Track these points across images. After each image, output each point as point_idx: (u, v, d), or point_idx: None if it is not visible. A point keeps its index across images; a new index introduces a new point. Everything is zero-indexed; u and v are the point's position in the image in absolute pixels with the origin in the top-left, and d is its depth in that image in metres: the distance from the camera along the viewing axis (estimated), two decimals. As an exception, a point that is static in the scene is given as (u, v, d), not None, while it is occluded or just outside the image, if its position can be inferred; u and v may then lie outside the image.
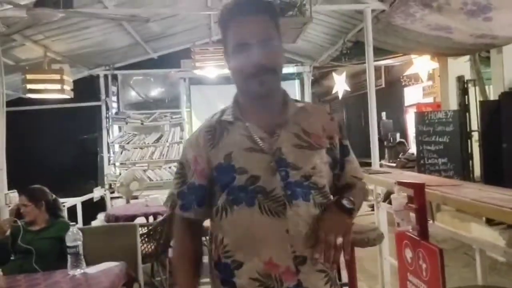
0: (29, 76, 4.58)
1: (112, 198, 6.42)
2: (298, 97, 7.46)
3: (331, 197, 1.24)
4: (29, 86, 4.57)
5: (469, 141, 5.46)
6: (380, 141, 7.76)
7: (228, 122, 1.22)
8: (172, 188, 1.28)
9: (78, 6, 3.80)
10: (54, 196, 3.02)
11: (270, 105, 1.22)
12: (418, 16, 3.81)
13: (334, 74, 7.86)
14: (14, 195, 3.64)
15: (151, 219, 4.45)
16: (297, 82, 7.67)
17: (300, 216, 1.14)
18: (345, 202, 1.18)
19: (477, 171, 5.40)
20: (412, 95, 8.60)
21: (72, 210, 5.27)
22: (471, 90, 5.54)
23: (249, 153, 1.16)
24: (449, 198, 2.26)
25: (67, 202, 5.01)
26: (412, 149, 7.20)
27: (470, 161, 5.47)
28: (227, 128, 1.21)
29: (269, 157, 1.16)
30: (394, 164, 7.10)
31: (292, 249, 1.13)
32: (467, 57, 5.48)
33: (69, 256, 2.42)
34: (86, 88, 6.47)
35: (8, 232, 2.86)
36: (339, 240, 1.09)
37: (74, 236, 2.43)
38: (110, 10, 4.31)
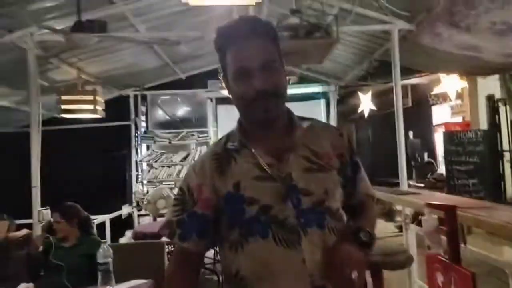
0: (63, 97, 4.76)
1: (139, 215, 6.52)
2: (323, 116, 7.48)
3: (345, 217, 1.20)
4: (63, 106, 4.75)
5: (500, 161, 5.33)
6: (407, 160, 7.65)
7: (234, 150, 1.17)
8: (170, 215, 1.21)
9: (111, 30, 3.96)
10: (86, 213, 3.10)
11: (276, 129, 1.17)
12: (446, 35, 3.80)
13: (359, 93, 7.84)
14: (47, 212, 3.75)
15: (177, 237, 4.48)
16: (322, 101, 7.68)
17: (315, 244, 1.10)
18: (362, 235, 1.14)
19: (510, 192, 5.24)
20: (440, 114, 8.46)
21: (100, 226, 5.37)
22: (502, 109, 5.44)
23: (258, 182, 1.11)
24: (482, 220, 2.21)
25: (97, 219, 5.11)
26: (441, 169, 7.05)
27: (502, 182, 5.32)
28: (234, 156, 1.16)
29: (279, 184, 1.11)
30: (421, 185, 6.96)
31: (311, 279, 1.08)
32: (497, 76, 5.40)
33: (99, 273, 2.47)
34: (117, 107, 6.65)
35: (40, 248, 2.95)
36: (354, 274, 1.05)
37: (105, 253, 2.48)
38: (142, 34, 4.47)
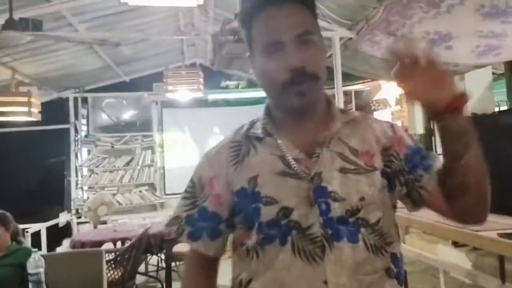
0: (-6, 99, 4.48)
1: (79, 223, 6.24)
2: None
3: (393, 233, 0.96)
4: (-6, 108, 4.46)
5: (435, 164, 5.63)
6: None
7: (256, 137, 0.98)
8: (179, 209, 1.03)
9: (48, 29, 3.78)
10: (15, 222, 2.96)
11: (311, 119, 0.97)
12: (383, 44, 3.96)
13: (305, 98, 8.03)
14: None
15: (119, 244, 4.34)
16: (269, 106, 7.77)
17: (342, 263, 0.88)
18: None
19: (444, 193, 5.54)
20: (382, 119, 8.83)
21: (36, 235, 5.09)
22: (436, 114, 5.75)
23: (280, 178, 0.92)
24: (413, 220, 2.32)
25: (31, 228, 4.84)
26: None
27: (438, 184, 5.62)
28: (255, 145, 0.98)
29: (306, 184, 0.91)
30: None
31: None
32: (432, 83, 5.70)
33: (30, 284, 2.33)
34: (55, 111, 6.35)
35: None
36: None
37: (35, 263, 2.35)
38: (80, 34, 4.30)
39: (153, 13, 4.59)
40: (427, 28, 3.46)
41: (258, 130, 0.99)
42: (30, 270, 2.33)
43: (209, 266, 1.06)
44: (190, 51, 6.73)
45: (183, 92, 5.20)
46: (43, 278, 2.35)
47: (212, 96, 7.04)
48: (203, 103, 7.04)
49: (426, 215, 2.36)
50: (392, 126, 1.04)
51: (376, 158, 0.96)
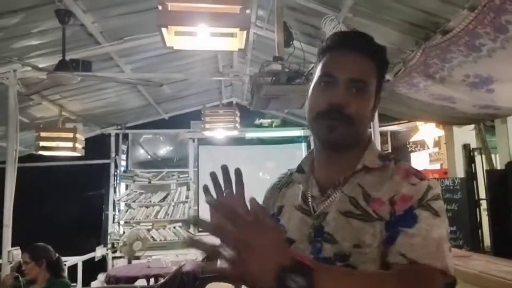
0: (42, 134, 4.71)
1: (114, 257, 6.32)
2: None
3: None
4: (41, 143, 4.68)
5: (477, 209, 5.39)
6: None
7: (294, 172, 1.11)
8: None
9: (96, 69, 4.00)
10: (57, 255, 3.02)
11: (342, 158, 1.00)
12: (422, 86, 3.94)
13: (341, 138, 8.01)
14: (17, 252, 3.62)
15: (152, 281, 4.35)
16: (303, 145, 7.78)
17: None
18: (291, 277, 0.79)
19: (487, 240, 5.27)
20: (419, 161, 8.63)
21: (73, 268, 5.19)
22: (478, 158, 5.56)
23: (296, 211, 1.02)
24: (457, 270, 2.22)
25: (69, 261, 4.94)
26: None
27: (480, 230, 5.36)
28: (291, 179, 1.11)
29: (311, 221, 0.97)
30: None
31: None
32: (472, 125, 5.57)
33: (66, 319, 2.37)
34: (97, 146, 6.61)
35: (8, 289, 2.83)
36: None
37: (73, 297, 2.39)
38: (126, 75, 4.52)
39: (194, 55, 4.78)
40: (467, 72, 3.42)
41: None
42: (67, 304, 2.38)
43: None
44: (228, 91, 6.91)
45: (219, 130, 5.31)
46: (79, 312, 2.39)
47: (248, 135, 7.14)
48: (238, 141, 7.14)
49: (470, 266, 2.26)
50: (423, 178, 0.93)
51: (385, 207, 0.91)
